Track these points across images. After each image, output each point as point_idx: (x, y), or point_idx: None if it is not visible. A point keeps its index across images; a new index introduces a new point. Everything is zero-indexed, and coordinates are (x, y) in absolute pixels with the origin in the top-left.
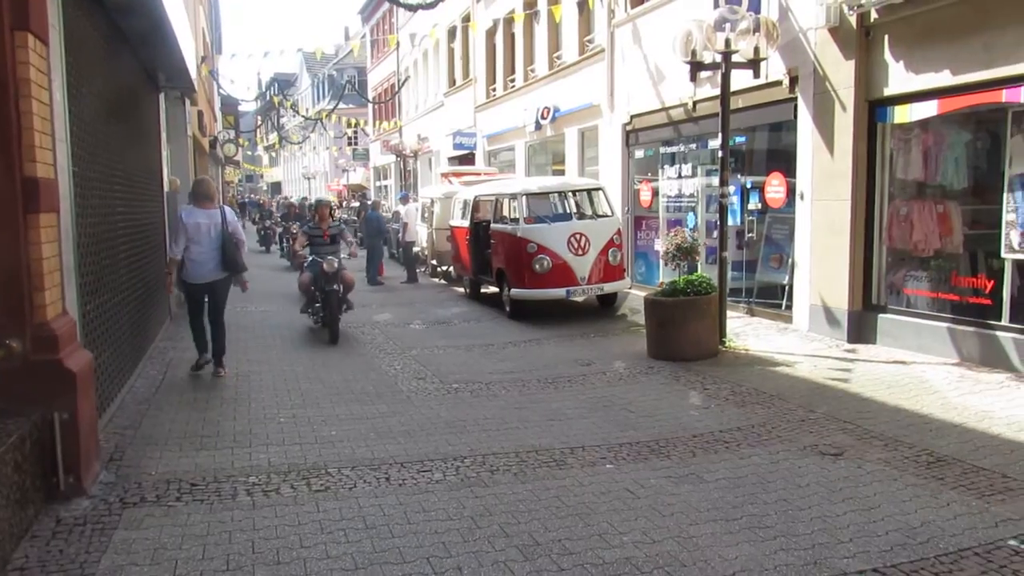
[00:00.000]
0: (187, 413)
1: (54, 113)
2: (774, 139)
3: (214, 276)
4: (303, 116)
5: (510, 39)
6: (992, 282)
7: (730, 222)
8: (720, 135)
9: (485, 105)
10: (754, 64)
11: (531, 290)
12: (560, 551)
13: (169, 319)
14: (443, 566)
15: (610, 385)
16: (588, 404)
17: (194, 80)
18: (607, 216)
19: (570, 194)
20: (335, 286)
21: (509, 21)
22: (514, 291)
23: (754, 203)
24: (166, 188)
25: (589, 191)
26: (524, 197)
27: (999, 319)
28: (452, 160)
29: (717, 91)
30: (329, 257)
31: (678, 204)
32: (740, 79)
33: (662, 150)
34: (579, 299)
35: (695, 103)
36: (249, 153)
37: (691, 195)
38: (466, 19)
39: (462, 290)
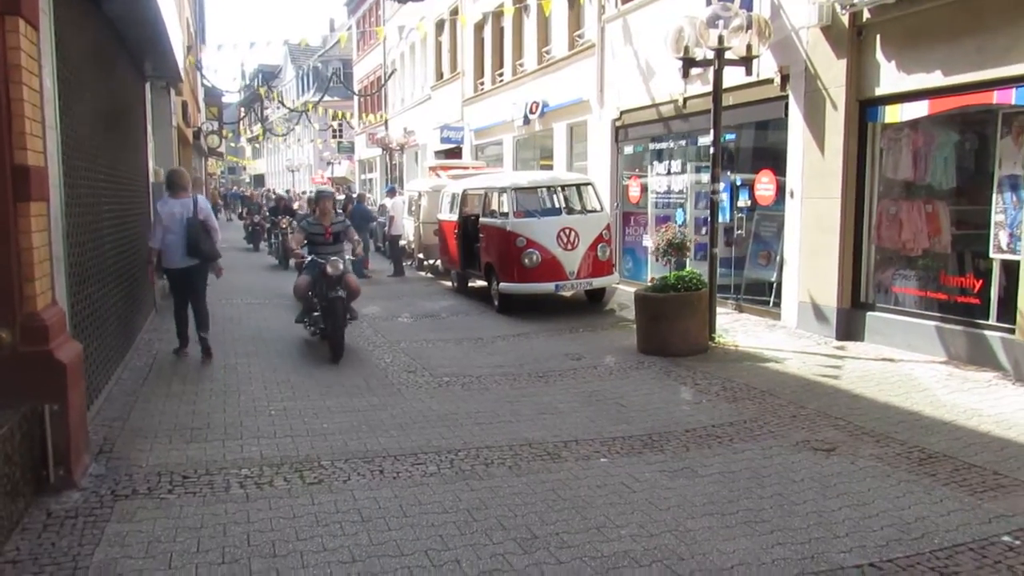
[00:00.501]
0: (176, 405)
1: (44, 100)
2: (764, 137)
3: (186, 263)
4: (287, 108)
5: (499, 33)
6: (980, 282)
7: (719, 219)
8: (712, 132)
9: (473, 99)
10: (746, 61)
11: (520, 284)
12: (558, 544)
13: (155, 310)
14: (441, 559)
15: (601, 379)
16: (580, 398)
17: (181, 69)
18: (596, 211)
19: (559, 189)
20: (339, 292)
21: (498, 15)
22: (503, 285)
23: (743, 200)
24: (151, 179)
25: (579, 186)
26: (513, 191)
27: (987, 318)
28: (439, 154)
29: (707, 88)
30: (333, 258)
31: (667, 200)
32: (731, 76)
33: (651, 146)
34: (568, 294)
35: (685, 100)
36: (232, 144)
37: (680, 191)
38: (454, 12)
39: (449, 284)
